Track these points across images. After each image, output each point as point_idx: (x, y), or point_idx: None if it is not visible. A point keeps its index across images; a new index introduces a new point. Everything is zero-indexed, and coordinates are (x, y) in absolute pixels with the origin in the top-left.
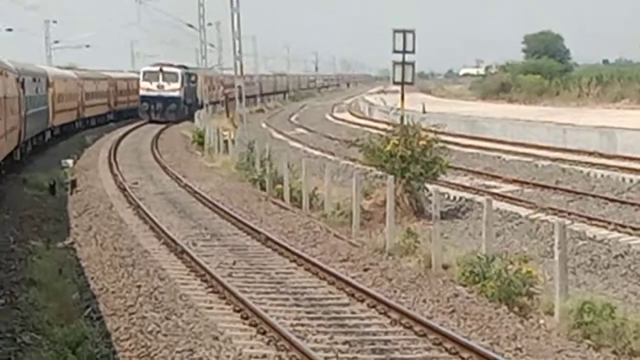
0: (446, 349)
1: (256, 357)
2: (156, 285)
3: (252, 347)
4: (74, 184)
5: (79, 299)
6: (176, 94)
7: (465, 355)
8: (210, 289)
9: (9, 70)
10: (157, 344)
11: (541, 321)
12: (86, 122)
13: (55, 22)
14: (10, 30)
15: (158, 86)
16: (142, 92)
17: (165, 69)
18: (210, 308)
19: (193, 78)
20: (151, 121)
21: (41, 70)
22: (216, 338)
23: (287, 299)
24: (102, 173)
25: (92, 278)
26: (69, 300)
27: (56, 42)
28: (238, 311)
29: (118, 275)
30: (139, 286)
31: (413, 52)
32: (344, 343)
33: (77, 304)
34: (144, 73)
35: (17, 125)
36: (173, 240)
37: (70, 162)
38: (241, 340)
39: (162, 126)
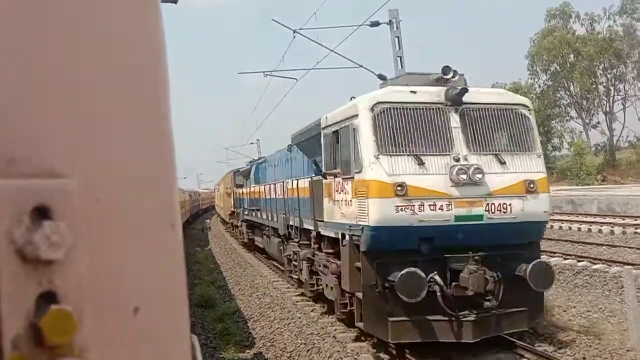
0: None
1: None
2: (239, 259)
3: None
4: (209, 228)
5: (213, 267)
6: None
7: None
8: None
9: (185, 191)
10: (240, 277)
11: None
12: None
13: (200, 174)
14: (185, 178)
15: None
16: None
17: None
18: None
19: None
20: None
21: (196, 190)
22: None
23: None
24: (219, 225)
25: (217, 259)
26: (210, 267)
27: (201, 180)
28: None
29: (227, 258)
30: (234, 260)
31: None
32: None
33: (213, 268)
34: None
35: (189, 209)
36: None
37: (208, 221)
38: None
39: None
